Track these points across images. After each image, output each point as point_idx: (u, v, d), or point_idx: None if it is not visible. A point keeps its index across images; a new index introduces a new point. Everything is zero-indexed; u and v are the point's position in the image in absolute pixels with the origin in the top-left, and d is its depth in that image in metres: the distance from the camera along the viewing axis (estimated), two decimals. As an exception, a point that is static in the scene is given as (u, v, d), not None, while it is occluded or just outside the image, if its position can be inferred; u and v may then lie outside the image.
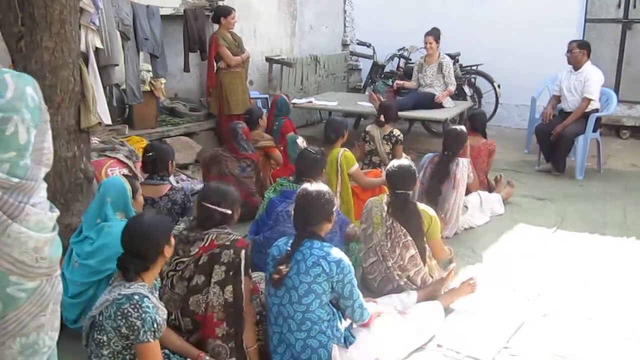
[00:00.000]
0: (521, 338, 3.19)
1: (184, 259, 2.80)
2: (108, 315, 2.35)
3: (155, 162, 3.91)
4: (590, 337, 3.20)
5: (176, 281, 2.81)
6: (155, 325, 2.33)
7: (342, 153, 4.55)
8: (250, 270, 2.87)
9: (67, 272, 3.09)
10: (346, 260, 2.72)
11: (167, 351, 2.64)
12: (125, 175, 3.38)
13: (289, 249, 2.75)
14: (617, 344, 3.14)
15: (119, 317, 2.31)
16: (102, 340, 2.37)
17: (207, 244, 2.79)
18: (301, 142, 5.28)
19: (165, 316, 2.51)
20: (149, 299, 2.38)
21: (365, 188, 4.73)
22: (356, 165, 4.61)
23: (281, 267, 2.69)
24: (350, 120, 8.43)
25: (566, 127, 5.92)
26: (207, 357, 2.69)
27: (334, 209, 2.90)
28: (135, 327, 2.30)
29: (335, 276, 2.66)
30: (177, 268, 2.81)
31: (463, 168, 4.51)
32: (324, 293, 2.68)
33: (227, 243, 2.79)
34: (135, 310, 2.31)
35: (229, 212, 2.89)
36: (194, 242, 2.81)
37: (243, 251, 2.78)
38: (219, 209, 2.86)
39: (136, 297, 2.35)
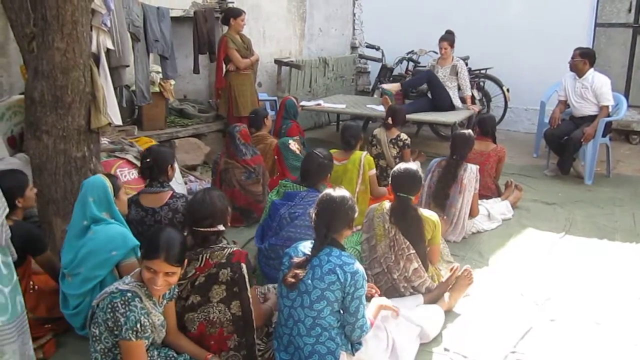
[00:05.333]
0: (528, 343, 3.18)
1: (182, 281, 2.73)
2: (102, 307, 2.41)
3: (153, 169, 3.69)
4: (598, 342, 3.18)
5: (176, 301, 2.77)
6: (138, 326, 2.36)
7: (365, 155, 4.74)
8: (252, 279, 2.82)
9: (64, 287, 3.06)
10: (362, 274, 2.67)
11: (174, 354, 2.66)
12: (106, 174, 3.26)
13: (308, 253, 2.72)
14: (625, 350, 3.12)
15: (109, 310, 2.37)
16: (95, 334, 2.43)
17: (202, 264, 2.73)
18: (293, 145, 5.25)
19: (159, 322, 2.54)
20: (140, 300, 2.42)
21: (374, 195, 4.77)
22: (374, 170, 4.80)
23: (297, 271, 2.66)
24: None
25: (585, 132, 5.88)
26: (215, 359, 2.71)
27: (356, 214, 2.85)
28: (119, 323, 2.35)
29: (347, 287, 2.62)
30: (176, 290, 2.76)
31: (471, 174, 4.48)
32: (336, 301, 2.65)
33: (223, 261, 2.72)
34: (123, 306, 2.37)
35: (223, 228, 2.80)
36: (189, 262, 2.73)
37: (243, 266, 2.72)
38: (213, 230, 2.76)
39: (129, 294, 2.41)
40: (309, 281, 2.65)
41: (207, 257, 2.74)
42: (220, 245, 2.79)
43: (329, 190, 2.84)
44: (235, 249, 2.79)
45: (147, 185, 3.75)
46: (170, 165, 3.75)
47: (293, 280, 2.65)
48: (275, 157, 5.38)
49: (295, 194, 3.68)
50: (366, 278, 2.72)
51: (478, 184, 4.57)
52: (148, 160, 3.70)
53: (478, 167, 4.60)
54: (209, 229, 2.76)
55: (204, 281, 2.73)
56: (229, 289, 2.72)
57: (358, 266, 2.68)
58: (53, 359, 3.04)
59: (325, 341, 2.66)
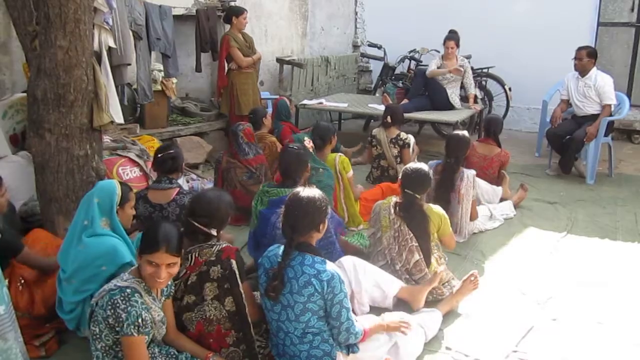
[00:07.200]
0: (530, 342, 3.18)
1: (175, 282, 2.72)
2: (101, 305, 2.42)
3: (168, 162, 3.73)
4: (600, 342, 3.18)
5: (173, 302, 2.77)
6: (139, 320, 2.37)
7: (338, 158, 4.61)
8: (244, 274, 2.81)
9: (59, 290, 3.03)
10: (338, 278, 2.58)
11: (175, 351, 2.67)
12: (121, 183, 3.18)
13: (279, 260, 2.63)
14: (627, 350, 3.12)
15: (109, 307, 2.38)
16: (95, 333, 2.44)
17: (192, 262, 2.71)
18: (307, 142, 5.21)
19: (159, 317, 2.54)
20: (140, 295, 2.44)
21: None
22: (351, 172, 4.69)
23: (275, 283, 2.58)
24: (360, 122, 8.46)
25: (588, 131, 5.87)
26: (216, 358, 2.71)
27: (327, 216, 2.75)
28: (120, 319, 2.36)
29: (325, 295, 2.55)
30: (173, 287, 2.74)
31: (468, 182, 4.41)
32: (321, 309, 2.60)
33: (213, 258, 2.70)
34: (124, 302, 2.38)
35: (215, 234, 2.77)
36: (180, 263, 2.70)
37: (233, 262, 2.70)
38: (204, 229, 2.74)
39: (128, 290, 2.42)
40: (289, 295, 2.58)
41: (197, 255, 2.72)
42: (209, 243, 2.76)
43: (297, 189, 2.75)
44: (224, 245, 2.76)
45: (155, 181, 3.77)
46: (184, 163, 3.82)
47: (273, 294, 2.60)
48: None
49: (280, 200, 3.44)
50: (343, 280, 2.63)
51: (476, 191, 4.56)
52: (171, 151, 3.74)
53: (474, 172, 4.53)
54: (201, 227, 2.75)
55: (196, 280, 2.72)
56: (220, 286, 2.71)
57: (333, 270, 2.59)
58: (55, 356, 3.05)
59: (319, 344, 2.64)
